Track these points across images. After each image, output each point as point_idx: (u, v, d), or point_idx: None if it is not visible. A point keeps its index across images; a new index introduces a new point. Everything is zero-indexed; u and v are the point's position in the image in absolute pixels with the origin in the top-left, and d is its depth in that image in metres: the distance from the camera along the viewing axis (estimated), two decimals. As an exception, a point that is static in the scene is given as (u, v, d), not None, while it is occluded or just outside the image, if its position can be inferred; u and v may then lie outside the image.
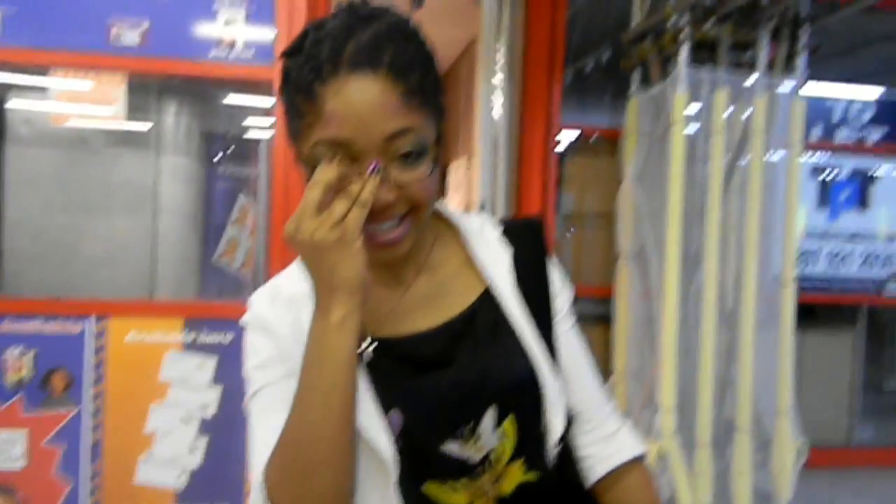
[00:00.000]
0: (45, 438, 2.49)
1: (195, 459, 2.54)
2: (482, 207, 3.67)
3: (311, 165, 0.79)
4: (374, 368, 0.87)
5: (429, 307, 0.92)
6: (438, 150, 0.86)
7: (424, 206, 0.83)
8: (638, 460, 0.99)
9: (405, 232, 0.83)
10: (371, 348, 0.87)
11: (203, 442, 2.54)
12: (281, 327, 0.88)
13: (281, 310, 0.89)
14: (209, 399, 2.53)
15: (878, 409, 4.08)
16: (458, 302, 0.93)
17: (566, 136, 3.73)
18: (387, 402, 0.85)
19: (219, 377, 2.54)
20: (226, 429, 2.54)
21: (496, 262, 0.95)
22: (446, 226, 0.99)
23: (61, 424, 2.49)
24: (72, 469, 2.51)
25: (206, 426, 2.54)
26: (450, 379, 0.87)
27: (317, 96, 0.77)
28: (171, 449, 2.53)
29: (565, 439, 0.94)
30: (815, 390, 3.83)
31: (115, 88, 2.54)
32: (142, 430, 2.52)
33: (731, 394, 3.16)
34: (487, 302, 0.93)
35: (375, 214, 0.79)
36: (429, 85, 0.82)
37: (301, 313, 0.87)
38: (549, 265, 0.98)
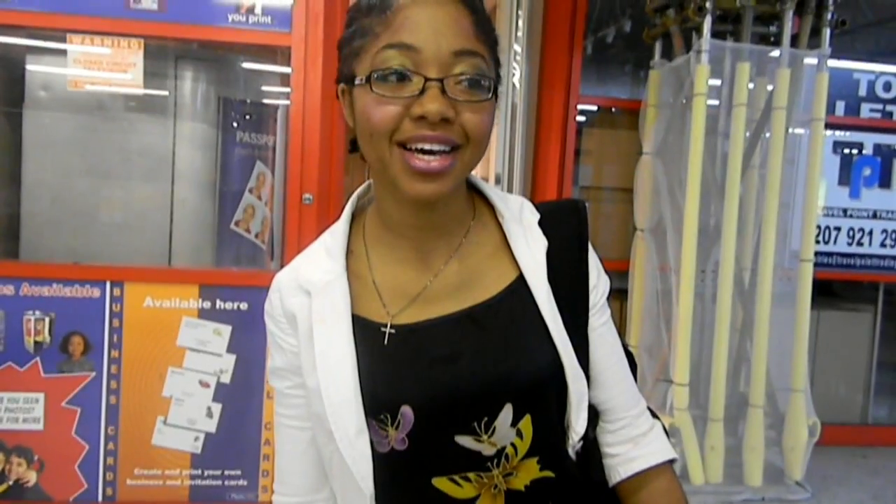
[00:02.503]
0: (63, 400, 2.52)
1: (211, 424, 2.57)
2: (498, 179, 3.65)
3: (370, 73, 0.79)
4: (391, 357, 0.85)
5: (456, 294, 0.88)
6: (495, 103, 0.85)
7: (475, 145, 0.81)
8: (666, 465, 0.95)
9: (450, 166, 0.79)
10: (389, 334, 0.86)
11: (219, 408, 2.57)
12: (288, 338, 0.90)
13: (297, 298, 0.90)
14: (225, 365, 2.55)
15: (894, 388, 4.06)
16: (486, 289, 0.89)
17: (585, 107, 3.68)
18: (400, 394, 0.83)
19: (234, 346, 2.56)
20: (241, 396, 2.56)
21: (532, 249, 0.90)
22: (486, 206, 0.96)
23: (80, 387, 2.53)
24: (89, 431, 2.54)
25: (221, 392, 2.56)
26: (467, 372, 0.84)
27: (391, 6, 0.78)
28: (188, 413, 2.56)
29: (588, 437, 0.91)
30: (832, 368, 3.81)
31: (133, 54, 2.53)
32: (159, 395, 2.54)
33: (745, 370, 3.16)
34: (517, 291, 0.89)
35: (428, 129, 0.78)
36: (492, 31, 0.84)
37: (313, 302, 0.87)
38: (588, 255, 0.94)
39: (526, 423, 0.85)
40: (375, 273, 0.90)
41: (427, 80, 0.77)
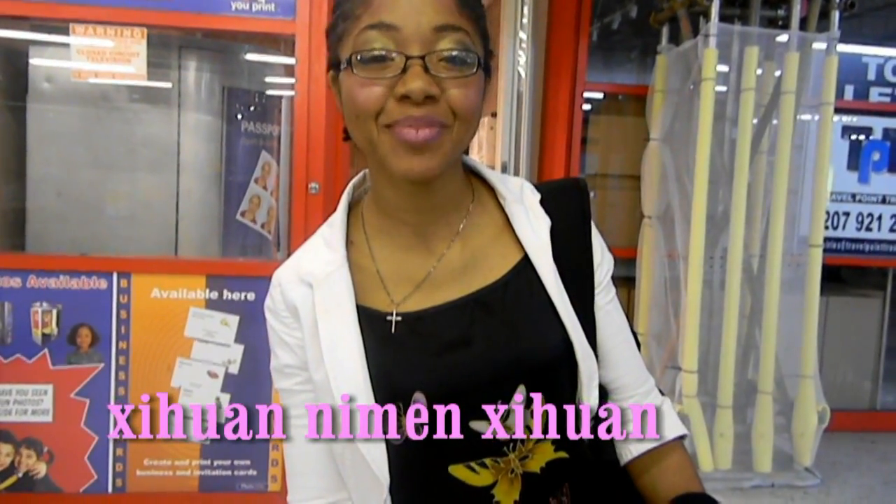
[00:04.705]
0: (72, 392, 2.53)
1: (220, 415, 2.57)
2: (504, 167, 3.63)
3: (354, 54, 0.78)
4: (399, 345, 0.84)
5: (461, 278, 0.87)
6: (486, 79, 0.84)
7: (465, 121, 0.79)
8: (677, 442, 0.95)
9: (437, 136, 0.78)
10: (395, 322, 0.85)
11: (227, 398, 2.56)
12: (293, 332, 0.88)
13: (298, 291, 0.88)
14: (233, 356, 2.55)
15: (903, 374, 4.05)
16: (491, 272, 0.88)
17: (591, 95, 3.65)
18: (412, 381, 0.82)
19: (241, 336, 2.55)
20: (249, 386, 2.56)
21: (535, 230, 0.89)
22: (485, 188, 0.95)
23: (88, 378, 2.53)
24: (98, 422, 2.55)
25: (230, 383, 2.56)
26: (478, 356, 0.83)
27: None
28: (197, 404, 2.56)
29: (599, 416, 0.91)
30: (841, 354, 3.80)
31: (136, 43, 2.51)
32: (167, 385, 2.55)
33: (754, 356, 3.15)
34: (523, 272, 0.88)
35: (413, 109, 0.76)
36: (477, 5, 0.82)
37: (316, 294, 0.86)
38: (591, 233, 0.93)
39: (540, 400, 0.85)
40: (378, 262, 0.89)
41: (409, 58, 0.76)
